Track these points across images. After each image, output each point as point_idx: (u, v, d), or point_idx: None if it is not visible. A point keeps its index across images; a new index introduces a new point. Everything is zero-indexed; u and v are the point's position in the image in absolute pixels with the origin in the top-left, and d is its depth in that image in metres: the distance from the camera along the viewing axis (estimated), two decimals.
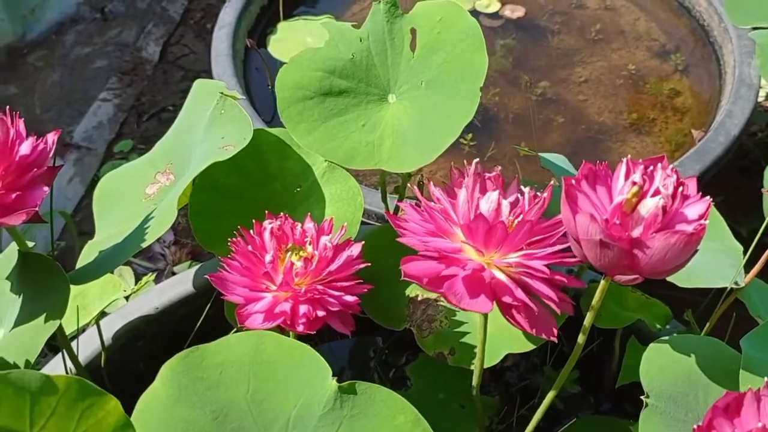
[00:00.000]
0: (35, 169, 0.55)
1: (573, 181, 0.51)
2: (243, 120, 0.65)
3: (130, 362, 0.81)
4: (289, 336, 0.56)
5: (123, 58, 1.74)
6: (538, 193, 0.55)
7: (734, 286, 0.65)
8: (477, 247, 0.52)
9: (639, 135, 1.17)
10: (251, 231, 0.59)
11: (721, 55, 1.23)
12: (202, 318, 0.79)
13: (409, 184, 0.66)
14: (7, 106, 0.57)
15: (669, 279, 0.55)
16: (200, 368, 0.51)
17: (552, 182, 0.59)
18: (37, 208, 0.54)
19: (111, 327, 0.80)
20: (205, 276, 0.60)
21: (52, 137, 0.58)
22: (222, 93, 0.67)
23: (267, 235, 0.57)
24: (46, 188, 0.55)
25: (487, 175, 0.56)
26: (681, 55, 1.30)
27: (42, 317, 0.58)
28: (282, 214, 0.59)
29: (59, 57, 1.75)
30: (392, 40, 0.59)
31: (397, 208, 0.71)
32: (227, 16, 1.19)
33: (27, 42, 1.76)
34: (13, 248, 0.64)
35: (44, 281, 0.61)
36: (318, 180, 0.69)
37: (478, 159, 0.55)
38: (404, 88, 0.59)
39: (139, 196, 0.76)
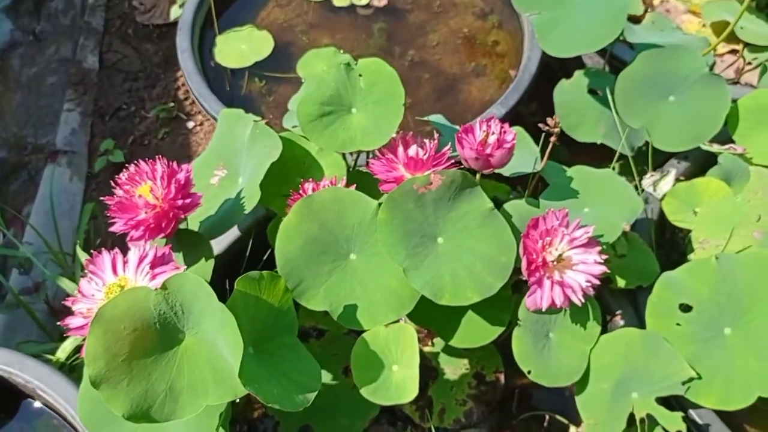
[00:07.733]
0: (192, 184, 1.07)
1: (461, 133, 1.11)
2: (274, 136, 1.18)
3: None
4: None
5: (69, 71, 2.11)
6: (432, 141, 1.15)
7: (536, 170, 1.28)
8: (410, 171, 1.12)
9: (478, 77, 1.77)
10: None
11: (519, 14, 1.83)
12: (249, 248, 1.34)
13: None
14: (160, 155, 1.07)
15: (503, 171, 1.16)
16: (312, 204, 1.07)
17: (436, 136, 1.18)
18: (200, 203, 1.06)
19: None
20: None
21: (186, 167, 1.09)
22: (255, 121, 1.19)
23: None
24: (200, 193, 1.07)
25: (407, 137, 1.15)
26: (496, 15, 1.89)
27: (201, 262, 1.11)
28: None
29: (13, 81, 2.10)
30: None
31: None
32: (184, 42, 1.65)
33: None
34: None
35: (193, 248, 1.13)
36: (315, 157, 1.25)
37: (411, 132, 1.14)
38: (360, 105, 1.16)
39: (207, 186, 1.27)
